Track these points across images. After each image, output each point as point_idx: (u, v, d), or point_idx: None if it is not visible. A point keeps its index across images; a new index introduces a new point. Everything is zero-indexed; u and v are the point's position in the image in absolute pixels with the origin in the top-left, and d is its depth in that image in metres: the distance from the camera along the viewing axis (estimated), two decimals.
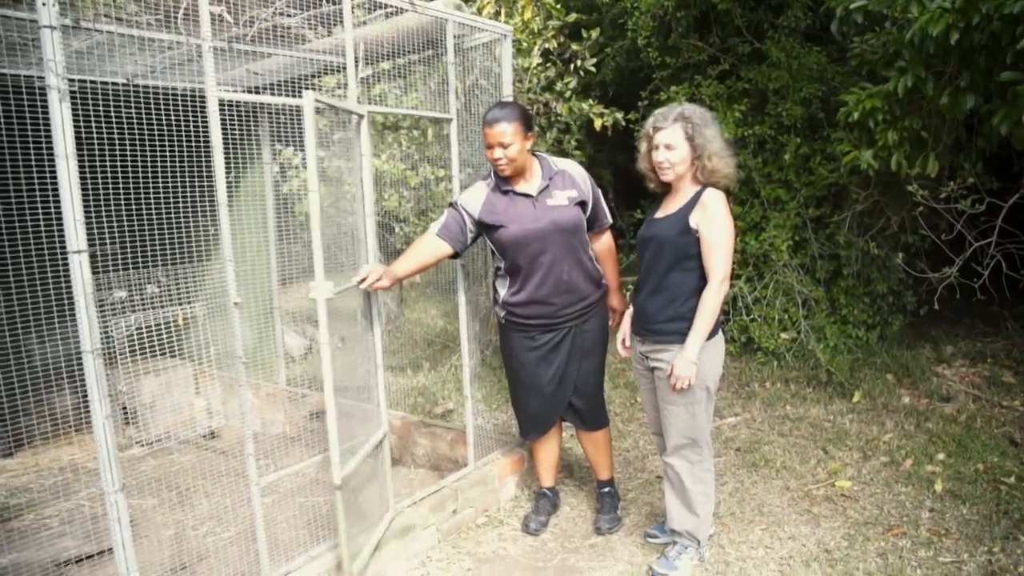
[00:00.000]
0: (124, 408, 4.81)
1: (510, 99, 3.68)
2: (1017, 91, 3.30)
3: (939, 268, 4.79)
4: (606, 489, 3.45)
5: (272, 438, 4.97)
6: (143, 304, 3.02)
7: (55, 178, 1.95)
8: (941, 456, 3.81)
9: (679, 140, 2.75)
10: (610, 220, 3.29)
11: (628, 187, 8.83)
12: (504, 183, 3.09)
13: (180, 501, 3.94)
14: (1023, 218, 4.76)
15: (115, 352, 2.76)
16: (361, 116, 2.79)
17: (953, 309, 6.12)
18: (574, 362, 3.20)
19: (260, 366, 5.09)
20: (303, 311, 6.53)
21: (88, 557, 3.36)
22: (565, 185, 3.12)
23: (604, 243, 3.32)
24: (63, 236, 1.97)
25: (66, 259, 1.99)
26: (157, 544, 3.47)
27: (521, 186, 3.09)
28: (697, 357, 2.67)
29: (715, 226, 2.67)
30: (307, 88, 4.12)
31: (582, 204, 3.13)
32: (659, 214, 2.91)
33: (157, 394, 4.75)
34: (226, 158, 2.36)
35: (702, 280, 2.72)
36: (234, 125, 2.70)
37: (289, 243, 5.03)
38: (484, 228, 3.11)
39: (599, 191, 3.24)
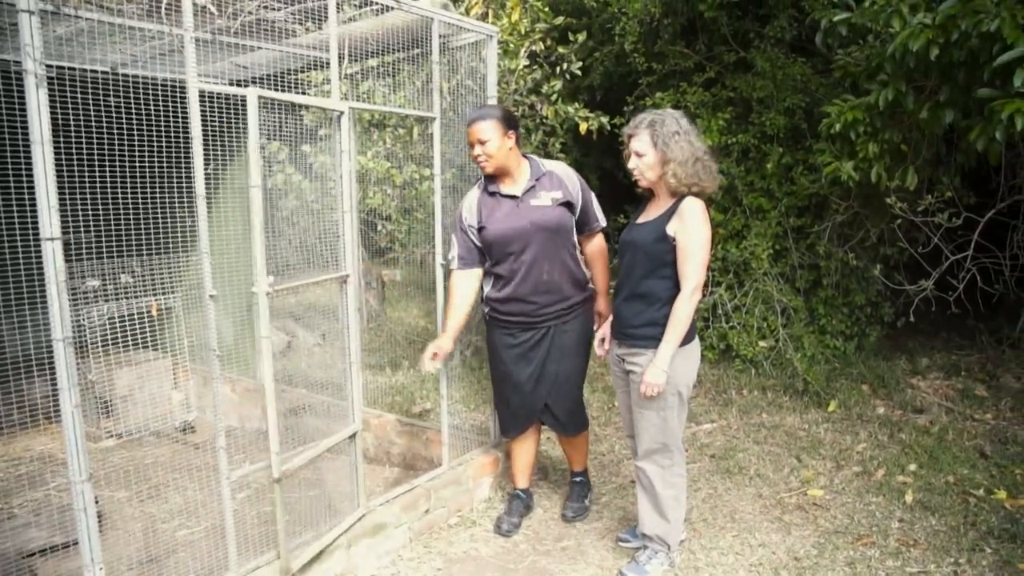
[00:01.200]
0: (101, 399, 4.77)
1: (494, 99, 3.68)
2: (993, 108, 3.34)
3: (916, 280, 4.85)
4: (578, 479, 3.54)
5: (248, 433, 4.94)
6: (116, 294, 2.99)
7: (30, 164, 1.93)
8: (913, 467, 3.85)
9: (647, 147, 2.76)
10: (602, 223, 3.28)
11: (614, 192, 8.86)
12: (491, 184, 3.16)
13: (152, 494, 3.90)
14: (999, 233, 4.83)
15: (87, 341, 2.73)
16: (341, 112, 2.78)
17: (930, 322, 6.19)
18: (553, 363, 3.22)
19: (238, 361, 5.06)
20: (284, 307, 6.50)
21: (56, 548, 3.32)
22: (552, 186, 3.15)
23: (595, 246, 3.32)
24: (37, 223, 1.95)
25: (39, 246, 1.97)
26: (126, 537, 3.44)
27: (507, 187, 3.15)
28: (669, 365, 2.68)
29: (691, 235, 2.68)
30: (293, 83, 4.11)
31: (568, 205, 3.15)
32: (640, 219, 2.92)
33: (134, 386, 4.71)
34: (208, 150, 2.34)
35: (678, 287, 2.73)
36: (217, 117, 2.69)
37: (273, 238, 5.00)
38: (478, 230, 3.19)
39: (591, 194, 3.25)
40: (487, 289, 3.27)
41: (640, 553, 2.98)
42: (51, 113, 1.96)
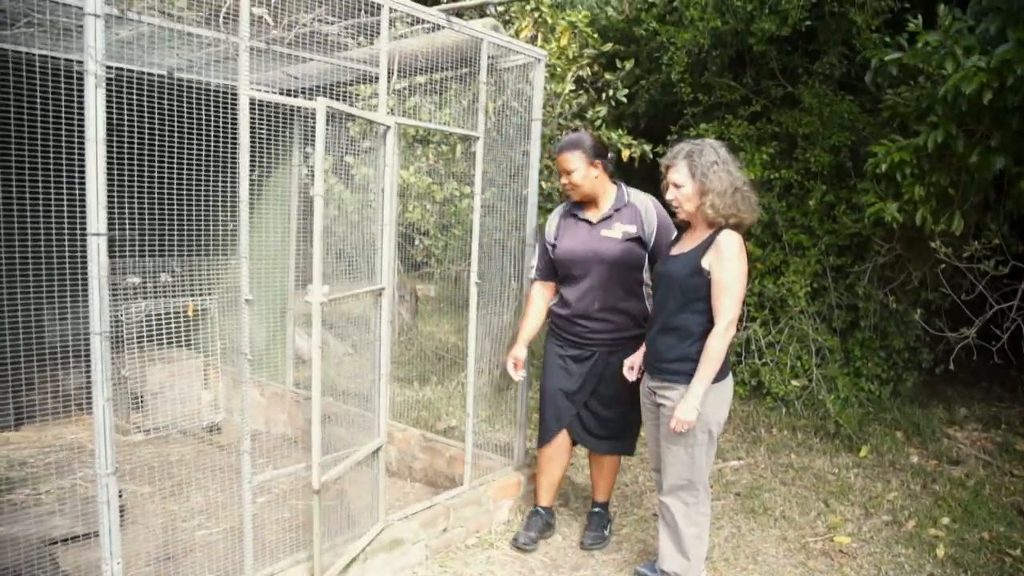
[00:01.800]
0: (133, 394, 4.84)
1: (538, 121, 3.70)
2: None
3: (958, 328, 4.73)
4: (597, 509, 3.53)
5: (273, 438, 4.98)
6: (155, 292, 3.05)
7: (83, 161, 1.98)
8: (946, 520, 3.73)
9: (685, 178, 2.74)
10: None
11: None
12: (574, 207, 3.32)
13: (175, 492, 3.94)
14: None
15: (123, 336, 2.78)
16: (388, 127, 2.81)
17: (970, 371, 6.03)
18: (590, 384, 3.31)
19: (268, 365, 5.11)
20: (326, 315, 6.55)
21: (77, 538, 3.36)
22: (628, 220, 3.21)
23: None
24: (85, 218, 2.00)
25: (85, 240, 2.02)
26: (146, 532, 3.47)
27: (587, 212, 3.29)
28: (699, 403, 2.64)
29: (727, 270, 2.64)
30: (341, 95, 4.18)
31: (639, 240, 3.19)
32: (675, 251, 2.89)
33: (166, 383, 4.78)
34: (254, 157, 2.38)
35: (712, 321, 2.68)
36: (266, 125, 2.74)
37: (311, 246, 5.06)
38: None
39: (672, 232, 3.20)
40: (553, 301, 3.44)
41: None
42: (106, 112, 2.01)
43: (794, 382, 5.25)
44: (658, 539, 2.97)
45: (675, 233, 3.16)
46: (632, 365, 3.07)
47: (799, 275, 5.33)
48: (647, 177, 8.91)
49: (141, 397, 4.78)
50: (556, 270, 3.37)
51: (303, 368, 5.96)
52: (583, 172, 3.16)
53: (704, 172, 2.70)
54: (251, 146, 2.34)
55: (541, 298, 3.42)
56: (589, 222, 3.25)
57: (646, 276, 3.23)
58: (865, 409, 5.21)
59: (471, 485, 3.52)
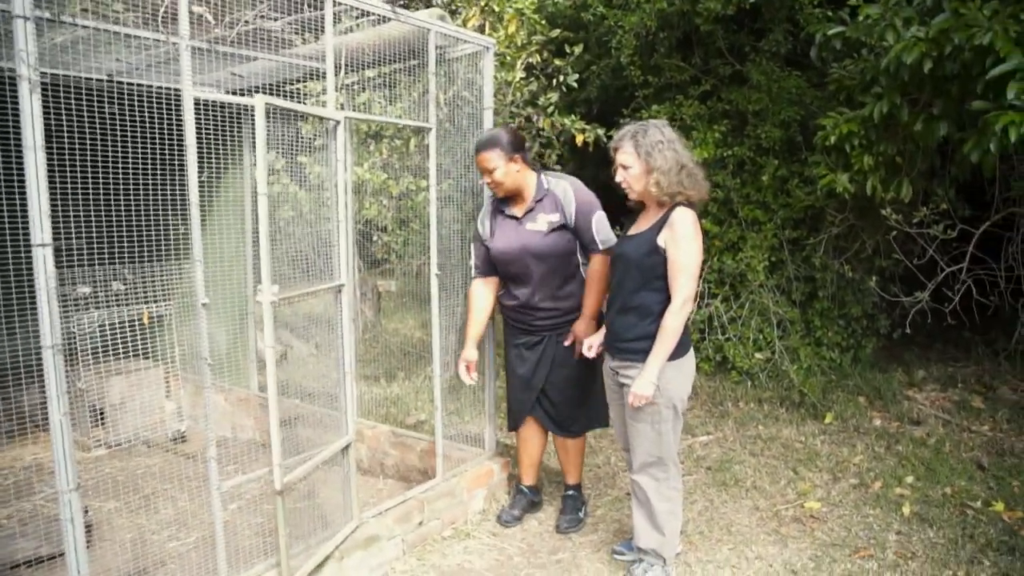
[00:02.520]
0: (93, 408, 4.73)
1: (490, 110, 3.68)
2: (987, 120, 3.35)
3: (912, 293, 4.85)
4: (570, 492, 3.56)
5: (241, 443, 4.90)
6: (107, 301, 2.97)
7: (22, 171, 1.92)
8: (910, 479, 3.83)
9: (631, 159, 2.76)
10: (603, 245, 3.20)
11: (611, 204, 8.88)
12: (500, 203, 3.31)
13: (143, 505, 3.86)
14: (994, 245, 4.84)
15: (76, 349, 2.70)
16: (337, 122, 2.78)
17: (925, 334, 6.19)
18: (543, 368, 3.35)
19: (232, 371, 5.03)
20: (280, 317, 6.47)
21: (42, 560, 3.28)
22: (550, 209, 3.20)
23: (593, 267, 3.26)
24: (28, 229, 1.93)
25: (30, 252, 1.96)
26: (115, 548, 3.39)
27: (513, 208, 3.28)
28: (657, 378, 2.66)
29: (681, 247, 2.65)
30: (290, 93, 4.12)
31: (564, 227, 3.19)
32: (631, 231, 2.91)
33: (126, 395, 4.67)
34: (203, 159, 2.33)
35: (670, 299, 2.71)
36: (214, 126, 2.67)
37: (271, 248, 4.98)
38: None
39: (595, 214, 3.20)
40: (500, 292, 3.48)
41: (635, 566, 2.96)
42: (45, 119, 1.95)
43: (757, 355, 5.34)
44: (632, 518, 3.00)
45: (597, 210, 3.20)
46: (591, 344, 3.07)
47: (757, 250, 5.41)
48: (601, 162, 8.97)
49: (101, 411, 4.67)
50: (495, 265, 3.37)
51: (282, 366, 5.88)
52: (503, 169, 3.15)
53: (648, 151, 2.72)
54: (199, 148, 2.29)
55: (483, 296, 3.41)
56: (516, 218, 3.26)
57: (583, 257, 3.24)
58: (828, 377, 5.32)
59: (444, 477, 3.51)
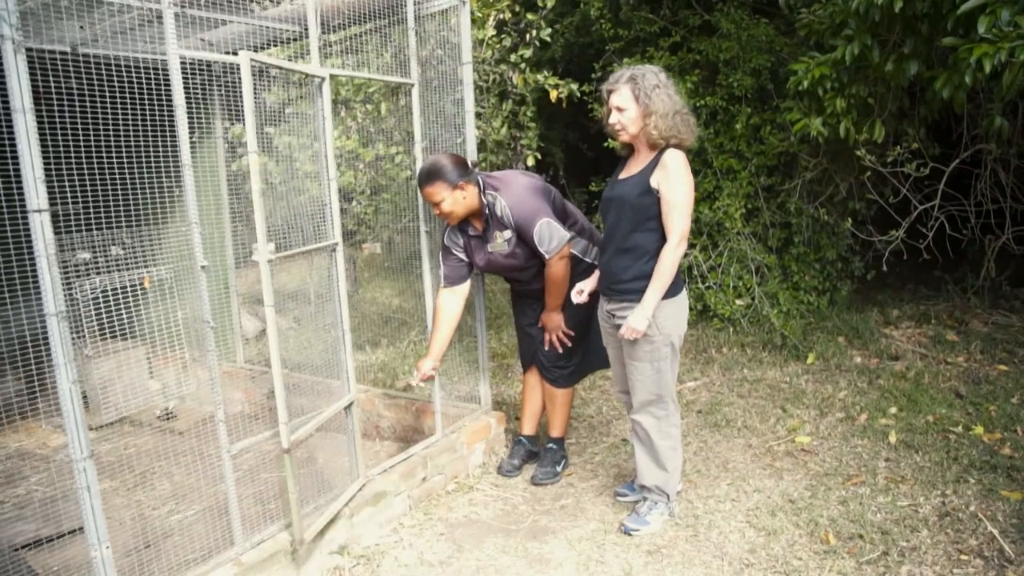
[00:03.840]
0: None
1: (469, 65, 3.64)
2: (960, 54, 3.42)
3: (886, 233, 4.96)
4: (551, 445, 3.61)
5: (231, 417, 4.88)
6: (108, 266, 2.92)
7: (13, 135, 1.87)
8: (893, 410, 3.96)
9: (628, 101, 2.77)
10: (550, 252, 3.11)
11: (578, 164, 8.89)
12: (461, 225, 3.28)
13: (139, 482, 3.85)
14: (964, 182, 4.96)
15: (80, 316, 2.66)
16: (323, 78, 2.74)
17: (896, 275, 6.36)
18: (538, 323, 3.44)
19: (217, 345, 4.98)
20: (257, 293, 6.41)
21: (41, 542, 3.26)
22: (500, 225, 3.18)
23: (547, 271, 3.20)
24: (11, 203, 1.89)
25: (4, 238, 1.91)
26: (118, 525, 3.38)
27: (474, 228, 3.28)
28: (652, 313, 2.71)
29: (674, 186, 2.69)
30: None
31: (518, 237, 3.17)
32: (623, 175, 2.93)
33: (108, 377, 4.62)
34: (137, 145, 2.28)
35: (664, 239, 2.75)
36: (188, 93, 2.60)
37: (242, 223, 4.91)
38: None
39: (535, 228, 3.07)
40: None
41: (640, 505, 3.03)
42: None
43: (738, 301, 5.43)
44: (633, 460, 3.07)
45: (536, 222, 3.06)
46: (581, 289, 3.09)
47: (733, 198, 5.48)
48: (571, 122, 8.96)
49: (84, 394, 4.62)
50: (471, 268, 3.35)
51: (249, 347, 5.84)
52: (451, 199, 3.09)
53: (648, 94, 2.74)
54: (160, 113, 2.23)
55: (451, 306, 3.31)
56: (480, 238, 3.25)
57: (541, 249, 3.12)
58: (807, 320, 5.44)
59: (444, 433, 3.54)
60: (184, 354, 4.49)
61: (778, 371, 4.74)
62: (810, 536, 2.84)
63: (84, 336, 2.90)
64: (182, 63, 2.26)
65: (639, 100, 2.75)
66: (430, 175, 3.09)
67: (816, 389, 4.38)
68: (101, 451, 4.37)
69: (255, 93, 2.71)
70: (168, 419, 4.80)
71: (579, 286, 3.11)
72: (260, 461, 3.93)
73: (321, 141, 2.79)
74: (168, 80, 2.23)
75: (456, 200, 3.10)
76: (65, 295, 1.98)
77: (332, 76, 2.88)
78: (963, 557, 2.65)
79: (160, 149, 2.62)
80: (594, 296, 3.15)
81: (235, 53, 3.99)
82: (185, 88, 2.28)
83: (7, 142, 1.92)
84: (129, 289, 2.63)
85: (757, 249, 5.54)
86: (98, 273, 2.68)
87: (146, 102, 2.56)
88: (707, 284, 5.56)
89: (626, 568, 2.70)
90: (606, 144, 5.38)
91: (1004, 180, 5.02)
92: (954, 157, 4.85)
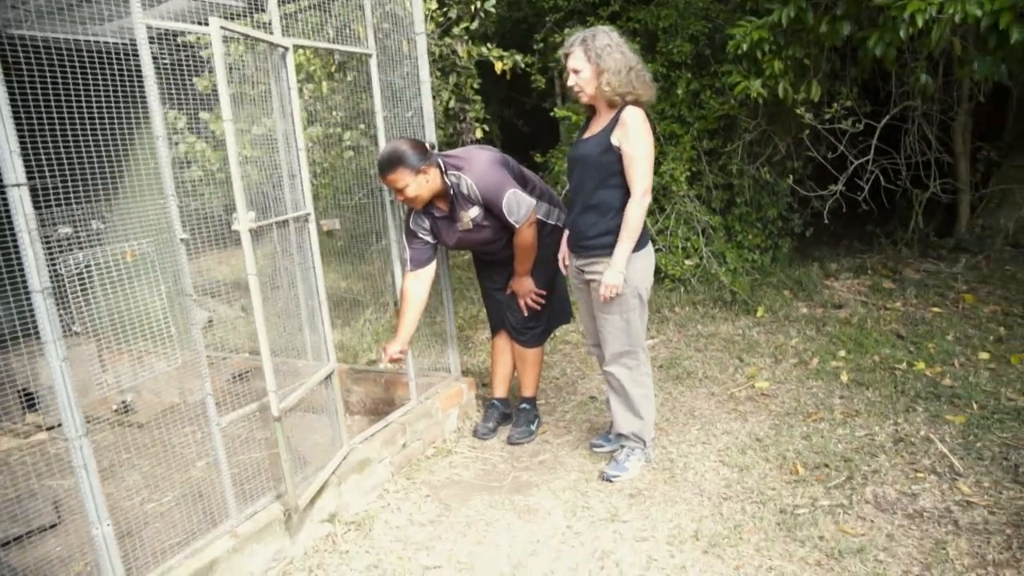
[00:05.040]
0: (23, 392, 4.54)
1: (423, 36, 3.66)
2: (892, 12, 3.61)
3: (824, 188, 5.21)
4: (523, 405, 3.70)
5: (192, 406, 4.80)
6: (90, 241, 2.84)
7: None
8: (842, 353, 4.19)
9: (582, 63, 2.86)
10: (519, 221, 3.16)
11: (514, 140, 8.97)
12: (426, 208, 3.28)
13: (105, 476, 3.76)
14: (895, 137, 5.24)
15: (66, 291, 2.59)
16: (286, 48, 2.73)
17: (831, 233, 6.66)
18: (505, 289, 3.52)
19: (169, 337, 4.88)
20: (201, 284, 6.28)
21: (14, 540, 3.19)
22: (466, 204, 3.21)
23: (516, 239, 3.26)
24: None
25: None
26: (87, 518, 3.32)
27: (439, 209, 3.27)
28: (625, 267, 2.82)
29: (634, 142, 2.79)
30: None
31: (486, 213, 3.21)
32: (585, 135, 3.02)
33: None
34: (111, 118, 2.25)
35: (628, 195, 2.85)
36: (117, 81, 2.53)
37: (184, 214, 4.80)
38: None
39: (504, 199, 3.11)
40: None
41: (618, 452, 3.15)
42: None
43: (687, 262, 5.62)
44: (607, 412, 3.19)
45: (503, 194, 3.10)
46: (563, 256, 3.19)
47: (677, 162, 5.64)
48: (504, 98, 9.00)
49: (35, 394, 4.49)
50: (435, 249, 3.36)
51: (210, 331, 5.74)
52: (414, 185, 3.07)
53: (599, 54, 2.82)
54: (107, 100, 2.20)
55: (417, 290, 3.32)
56: (447, 218, 3.26)
57: (511, 219, 3.17)
58: (752, 276, 5.67)
59: (419, 400, 3.59)
60: (139, 345, 4.40)
61: (730, 325, 4.94)
62: (779, 469, 3.02)
63: (72, 312, 2.82)
64: (149, 33, 2.22)
65: (591, 60, 2.84)
66: (391, 163, 3.05)
67: (768, 339, 4.59)
68: (58, 450, 4.26)
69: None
70: (126, 412, 4.70)
71: (560, 253, 3.21)
72: (238, 439, 3.90)
73: (287, 112, 2.78)
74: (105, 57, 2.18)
75: (420, 184, 3.09)
76: (49, 271, 1.95)
77: (295, 46, 2.87)
78: (919, 475, 2.86)
79: (124, 123, 2.57)
80: (553, 255, 3.28)
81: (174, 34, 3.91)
82: (114, 71, 2.23)
83: None
84: (112, 263, 2.58)
85: (702, 211, 5.72)
86: (80, 248, 2.61)
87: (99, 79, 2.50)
88: (657, 247, 5.72)
89: (612, 511, 2.81)
90: (549, 115, 5.45)
91: (929, 134, 5.31)
92: (884, 114, 5.12)
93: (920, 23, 3.38)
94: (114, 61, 2.52)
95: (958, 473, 2.85)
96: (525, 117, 9.53)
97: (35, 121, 2.27)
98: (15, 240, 1.89)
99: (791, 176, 5.68)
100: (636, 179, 2.81)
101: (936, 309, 4.82)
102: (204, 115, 4.61)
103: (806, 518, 2.64)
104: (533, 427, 3.63)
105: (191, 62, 2.94)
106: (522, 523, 2.82)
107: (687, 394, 3.91)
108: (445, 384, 3.81)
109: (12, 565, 3.05)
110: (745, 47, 4.67)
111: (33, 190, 1.93)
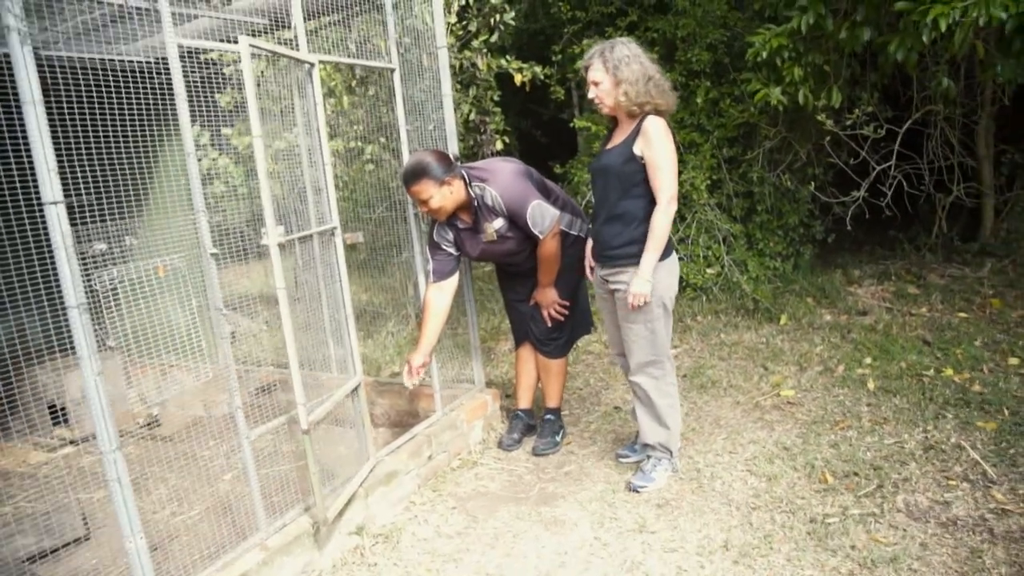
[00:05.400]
0: (53, 407, 4.60)
1: (444, 49, 3.69)
2: (914, 16, 3.59)
3: (846, 194, 5.17)
4: (548, 416, 3.69)
5: (216, 420, 4.84)
6: (124, 257, 2.89)
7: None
8: (868, 360, 4.15)
9: (601, 74, 2.88)
10: (543, 232, 3.16)
11: (532, 151, 9.00)
12: (449, 219, 3.30)
13: (133, 490, 3.80)
14: (917, 142, 5.20)
15: (101, 307, 2.63)
16: (312, 64, 2.77)
17: (853, 240, 6.62)
18: (528, 300, 3.51)
19: (197, 349, 4.93)
20: (224, 298, 6.34)
21: (49, 553, 3.22)
22: (491, 216, 3.22)
23: (539, 250, 3.25)
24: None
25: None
26: (119, 532, 3.35)
27: (463, 221, 3.29)
28: (652, 276, 2.82)
29: (656, 150, 2.80)
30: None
31: (510, 225, 3.22)
32: (608, 146, 3.03)
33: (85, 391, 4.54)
34: (140, 136, 2.28)
35: (652, 204, 2.86)
36: (145, 99, 2.57)
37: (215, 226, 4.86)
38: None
39: (528, 211, 3.12)
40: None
41: (645, 463, 3.14)
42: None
43: (709, 271, 5.59)
44: (635, 421, 3.18)
45: (527, 206, 3.10)
46: (589, 265, 3.20)
47: (697, 170, 5.63)
48: (521, 110, 9.03)
49: (63, 409, 4.55)
50: (458, 260, 3.37)
51: (233, 344, 5.78)
52: (438, 196, 3.09)
53: (616, 65, 2.84)
54: (137, 117, 2.23)
55: (440, 301, 3.32)
56: (471, 230, 3.27)
57: (535, 231, 3.17)
58: (775, 284, 5.64)
59: (444, 412, 3.60)
60: (171, 359, 4.45)
61: (753, 333, 4.91)
62: (808, 477, 2.99)
63: (106, 327, 2.86)
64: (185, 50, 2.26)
65: (609, 72, 2.86)
66: (415, 174, 3.09)
67: (793, 347, 4.55)
68: (86, 464, 4.31)
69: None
70: (153, 426, 4.75)
71: (586, 261, 3.24)
72: (265, 452, 3.93)
73: (314, 126, 2.81)
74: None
75: (444, 196, 3.11)
76: (84, 286, 1.98)
77: (320, 62, 2.91)
78: (951, 482, 2.83)
79: (153, 140, 2.61)
80: (577, 264, 3.30)
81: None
82: (147, 87, 2.26)
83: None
84: (144, 279, 2.62)
85: (722, 219, 5.70)
86: (115, 263, 2.66)
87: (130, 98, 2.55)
88: (679, 256, 5.70)
89: (640, 521, 2.80)
90: (566, 126, 5.46)
91: (952, 138, 5.27)
92: (906, 119, 5.08)
93: (943, 27, 3.36)
94: (138, 80, 2.58)
95: (992, 480, 2.81)
96: (542, 128, 9.58)
97: (71, 140, 2.32)
98: (51, 256, 1.93)
99: (812, 183, 5.65)
100: (661, 187, 2.81)
101: (962, 314, 4.77)
102: (226, 131, 4.69)
103: (837, 527, 2.62)
104: (558, 438, 3.62)
105: (214, 79, 2.99)
106: (549, 534, 2.81)
107: (712, 403, 3.89)
108: (470, 396, 3.82)
109: None
110: (764, 54, 4.66)
111: (69, 207, 1.96)
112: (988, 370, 3.86)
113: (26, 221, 2.42)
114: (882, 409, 3.55)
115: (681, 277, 5.68)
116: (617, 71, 2.83)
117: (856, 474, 2.96)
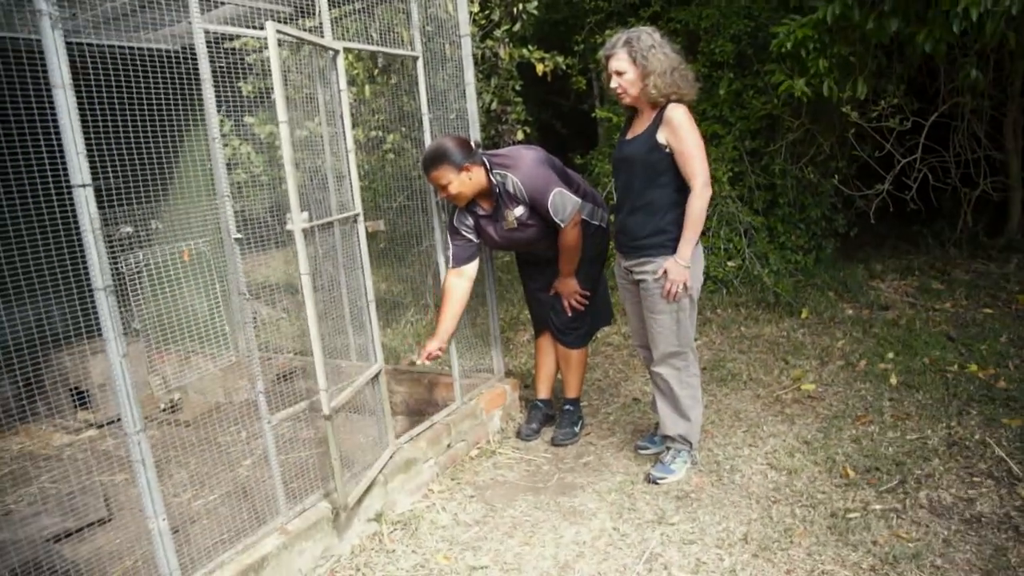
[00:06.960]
0: (75, 390, 4.65)
1: (467, 37, 3.67)
2: (944, 7, 3.53)
3: (870, 187, 5.11)
4: (567, 407, 3.68)
5: (236, 406, 4.88)
6: (150, 240, 2.91)
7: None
8: (890, 355, 4.11)
9: (626, 64, 2.84)
10: (564, 220, 3.14)
11: (552, 142, 8.97)
12: (469, 206, 3.30)
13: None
14: (943, 135, 5.12)
15: (127, 289, 2.66)
16: (336, 51, 2.77)
17: (875, 234, 6.54)
18: (550, 278, 3.49)
19: (217, 336, 4.97)
20: (247, 283, 6.38)
21: (71, 533, 3.27)
22: (512, 202, 3.20)
23: (561, 240, 3.24)
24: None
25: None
26: (139, 513, 3.39)
27: (482, 208, 3.29)
28: (690, 260, 2.80)
29: (683, 137, 2.77)
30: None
31: (531, 212, 3.20)
32: (629, 135, 3.00)
33: (109, 375, 4.59)
34: (166, 121, 2.29)
35: (677, 193, 2.84)
36: (175, 85, 2.58)
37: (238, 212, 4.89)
38: None
39: (549, 199, 3.10)
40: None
41: (664, 454, 3.13)
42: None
43: (729, 263, 5.56)
44: (654, 413, 3.17)
45: (549, 194, 3.08)
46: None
47: (719, 162, 5.59)
48: (543, 101, 8.99)
49: (86, 392, 4.60)
50: (471, 252, 3.34)
51: (256, 331, 5.83)
52: (457, 182, 3.10)
53: (644, 55, 2.81)
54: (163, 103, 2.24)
55: (459, 288, 3.33)
56: (491, 217, 3.26)
57: (556, 219, 3.16)
58: (796, 277, 5.59)
59: (463, 401, 3.61)
60: (194, 344, 4.49)
61: (774, 327, 4.87)
62: (829, 472, 2.97)
63: (131, 309, 2.90)
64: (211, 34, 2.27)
65: (636, 62, 2.82)
66: (435, 159, 3.11)
67: (814, 341, 4.52)
68: (110, 446, 4.36)
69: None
70: (173, 411, 4.79)
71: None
72: (286, 437, 3.95)
73: (337, 113, 2.81)
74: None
75: (463, 182, 3.12)
76: (111, 270, 2.00)
77: (345, 49, 2.91)
78: (975, 479, 2.79)
79: (179, 126, 2.63)
80: (599, 254, 3.30)
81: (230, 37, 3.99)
82: (175, 74, 2.27)
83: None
84: (170, 262, 2.64)
85: (744, 211, 5.66)
86: (140, 247, 2.68)
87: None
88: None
89: (659, 513, 2.79)
90: (587, 116, 5.44)
91: (979, 130, 5.19)
92: (932, 111, 5.01)
93: (974, 16, 3.30)
94: (164, 66, 2.60)
95: (1017, 478, 2.77)
96: (562, 119, 9.55)
97: (99, 124, 2.34)
98: (79, 240, 1.95)
99: (835, 176, 5.59)
100: (694, 173, 2.77)
101: (988, 310, 4.71)
102: (249, 119, 4.71)
103: (858, 522, 2.60)
104: (577, 428, 3.62)
105: (237, 67, 3.00)
106: (568, 524, 2.81)
107: (732, 396, 3.87)
108: (489, 385, 3.82)
109: (67, 557, 3.13)
110: (789, 45, 4.60)
111: (96, 191, 1.98)
112: (1014, 367, 3.81)
113: (43, 208, 2.44)
114: (904, 404, 3.51)
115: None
116: (646, 62, 2.80)
117: (878, 469, 2.93)
